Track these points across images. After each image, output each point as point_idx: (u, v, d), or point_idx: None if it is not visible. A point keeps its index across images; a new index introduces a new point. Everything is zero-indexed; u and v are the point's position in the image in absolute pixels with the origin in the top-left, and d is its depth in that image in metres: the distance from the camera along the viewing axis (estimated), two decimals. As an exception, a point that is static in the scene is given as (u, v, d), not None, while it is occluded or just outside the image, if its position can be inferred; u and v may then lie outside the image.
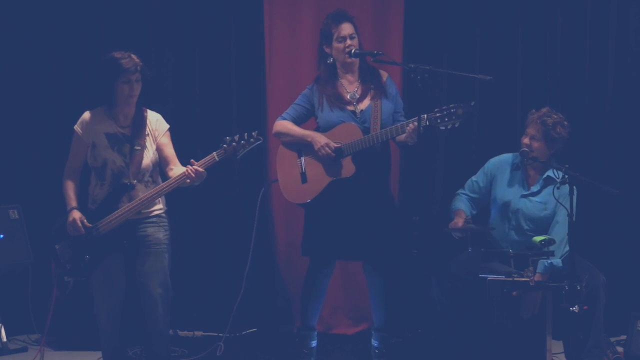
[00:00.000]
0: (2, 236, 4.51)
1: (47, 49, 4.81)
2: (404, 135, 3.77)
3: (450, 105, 3.63)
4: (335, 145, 3.84)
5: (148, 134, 3.63)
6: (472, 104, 3.64)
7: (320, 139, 3.86)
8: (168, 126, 3.72)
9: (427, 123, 3.64)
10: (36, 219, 4.68)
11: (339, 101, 3.92)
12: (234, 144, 3.52)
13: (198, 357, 4.35)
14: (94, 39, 4.78)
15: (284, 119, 4.02)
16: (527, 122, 3.94)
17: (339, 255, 4.03)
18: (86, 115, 3.63)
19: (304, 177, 3.94)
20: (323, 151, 3.85)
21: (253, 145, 3.56)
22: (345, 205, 3.88)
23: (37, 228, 4.64)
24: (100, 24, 4.78)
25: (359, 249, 3.91)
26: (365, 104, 3.93)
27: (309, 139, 3.90)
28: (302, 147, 3.95)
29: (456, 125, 3.64)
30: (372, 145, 3.80)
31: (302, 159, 3.96)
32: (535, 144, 3.87)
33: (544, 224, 3.91)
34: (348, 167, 3.85)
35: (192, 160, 3.52)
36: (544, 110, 3.92)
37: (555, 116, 3.88)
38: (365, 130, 3.87)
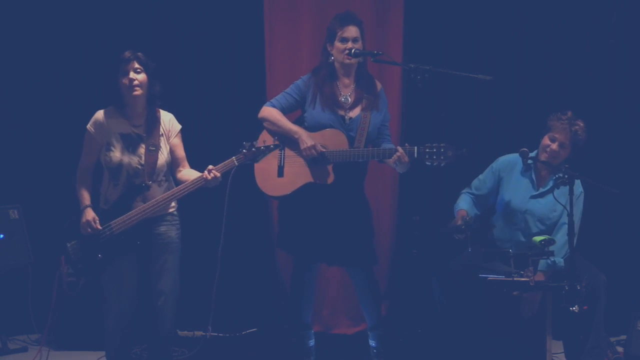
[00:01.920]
0: (2, 236, 4.51)
1: (47, 50, 4.82)
2: (391, 160, 3.75)
3: (442, 144, 3.62)
4: (321, 149, 3.82)
5: (162, 134, 3.61)
6: (464, 150, 3.62)
7: (307, 140, 3.82)
8: (180, 126, 3.70)
9: (416, 156, 3.65)
10: (36, 219, 4.68)
11: (333, 102, 3.89)
12: (253, 149, 3.52)
13: (191, 354, 4.36)
14: (94, 39, 4.78)
15: (273, 106, 3.95)
16: (553, 125, 3.87)
17: (317, 258, 3.99)
18: (98, 114, 3.59)
19: (280, 171, 3.90)
20: (309, 152, 3.80)
21: (272, 151, 3.59)
22: (319, 207, 3.85)
23: (37, 228, 4.65)
24: (100, 25, 4.78)
25: (339, 254, 3.89)
26: (355, 112, 3.91)
27: (296, 136, 3.85)
28: (285, 140, 3.90)
29: (442, 165, 3.64)
30: (356, 160, 3.79)
31: (283, 152, 3.90)
32: (563, 152, 3.85)
33: (554, 225, 3.90)
34: (328, 174, 3.82)
35: (209, 166, 3.51)
36: (569, 114, 3.87)
37: (582, 124, 3.86)
38: (350, 139, 3.84)
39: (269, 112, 3.94)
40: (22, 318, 4.57)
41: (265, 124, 3.94)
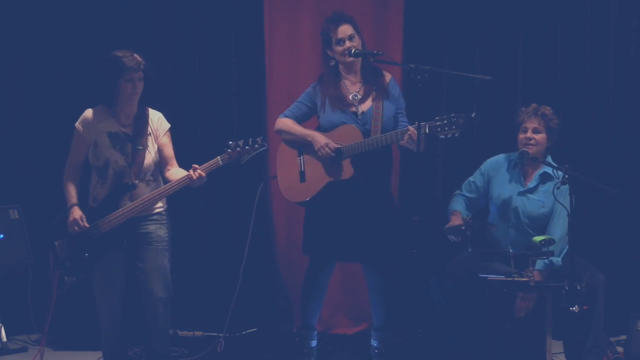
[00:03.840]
0: (2, 236, 4.51)
1: (47, 49, 4.81)
2: (404, 141, 3.76)
3: (452, 114, 3.63)
4: (336, 145, 3.85)
5: (150, 133, 3.63)
6: (473, 115, 3.63)
7: (320, 139, 3.86)
8: (169, 125, 3.71)
9: (427, 131, 3.65)
10: (36, 219, 4.67)
11: (340, 102, 3.92)
12: (238, 149, 3.51)
13: (198, 357, 4.35)
14: (94, 39, 4.78)
15: (286, 116, 4.01)
16: (522, 118, 3.98)
17: (338, 256, 4.02)
18: (87, 113, 3.61)
19: (302, 176, 3.94)
20: (323, 151, 3.84)
21: (257, 151, 3.56)
22: (342, 206, 3.88)
23: (37, 228, 4.64)
24: (100, 24, 4.78)
25: (358, 250, 3.91)
26: (367, 105, 3.93)
27: (309, 139, 3.90)
28: (302, 145, 3.95)
29: (456, 135, 3.64)
30: (372, 149, 3.80)
31: (302, 157, 3.95)
32: (538, 137, 3.91)
33: (542, 222, 3.92)
34: (347, 169, 3.85)
35: (194, 165, 3.51)
36: (534, 105, 3.98)
37: (548, 108, 3.97)
38: (366, 132, 3.86)
39: (283, 122, 3.99)
40: (22, 318, 4.57)
41: (282, 136, 3.99)
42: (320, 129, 3.98)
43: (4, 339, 4.48)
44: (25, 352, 4.51)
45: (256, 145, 3.53)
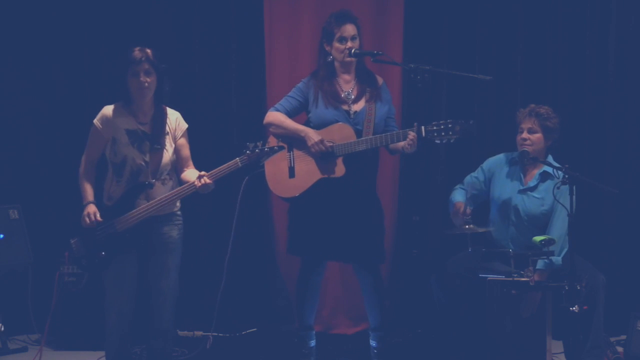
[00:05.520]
0: (2, 236, 4.51)
1: (47, 49, 4.81)
2: (400, 143, 3.75)
3: (448, 120, 3.63)
4: (329, 144, 3.83)
5: (168, 133, 3.61)
6: (471, 122, 3.62)
7: (314, 136, 3.83)
8: (187, 126, 3.69)
9: (424, 135, 3.65)
10: (36, 219, 4.68)
11: (334, 99, 3.90)
12: (257, 150, 3.50)
13: (190, 356, 4.35)
14: (94, 38, 4.78)
15: (277, 110, 3.97)
16: (519, 119, 3.98)
17: (327, 256, 4.00)
18: (106, 109, 3.59)
19: (292, 172, 3.90)
20: (316, 148, 3.81)
21: (276, 153, 3.59)
22: (331, 205, 3.86)
23: (37, 228, 4.65)
24: (100, 24, 4.78)
25: (348, 250, 3.89)
26: (360, 105, 3.92)
27: (303, 134, 3.86)
28: (293, 141, 3.91)
29: (451, 141, 3.64)
30: (366, 149, 3.79)
31: (292, 153, 3.91)
32: (534, 137, 3.91)
33: (542, 220, 3.92)
34: (339, 168, 3.83)
35: (201, 172, 3.48)
36: (531, 105, 3.98)
37: (545, 108, 3.96)
38: (358, 133, 3.85)
39: (274, 116, 3.96)
40: (22, 318, 4.57)
41: (271, 129, 3.95)
42: (309, 124, 3.94)
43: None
44: (25, 352, 4.51)
45: (275, 147, 3.56)
